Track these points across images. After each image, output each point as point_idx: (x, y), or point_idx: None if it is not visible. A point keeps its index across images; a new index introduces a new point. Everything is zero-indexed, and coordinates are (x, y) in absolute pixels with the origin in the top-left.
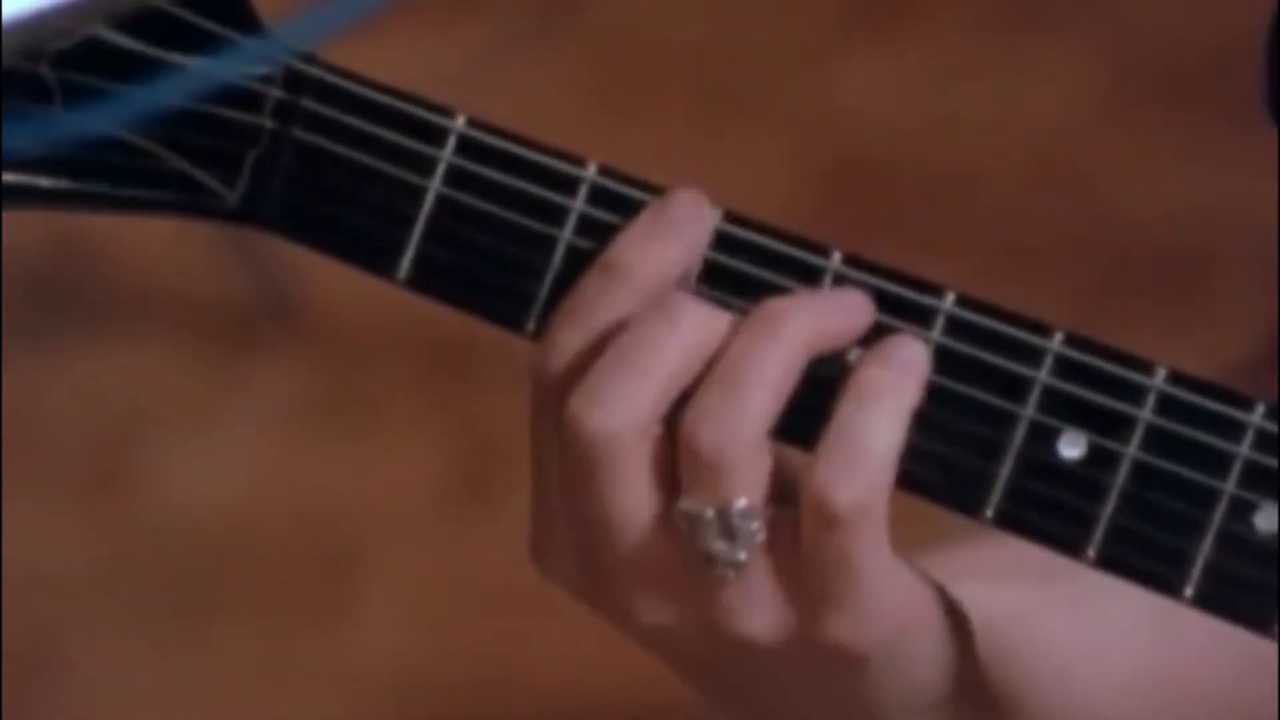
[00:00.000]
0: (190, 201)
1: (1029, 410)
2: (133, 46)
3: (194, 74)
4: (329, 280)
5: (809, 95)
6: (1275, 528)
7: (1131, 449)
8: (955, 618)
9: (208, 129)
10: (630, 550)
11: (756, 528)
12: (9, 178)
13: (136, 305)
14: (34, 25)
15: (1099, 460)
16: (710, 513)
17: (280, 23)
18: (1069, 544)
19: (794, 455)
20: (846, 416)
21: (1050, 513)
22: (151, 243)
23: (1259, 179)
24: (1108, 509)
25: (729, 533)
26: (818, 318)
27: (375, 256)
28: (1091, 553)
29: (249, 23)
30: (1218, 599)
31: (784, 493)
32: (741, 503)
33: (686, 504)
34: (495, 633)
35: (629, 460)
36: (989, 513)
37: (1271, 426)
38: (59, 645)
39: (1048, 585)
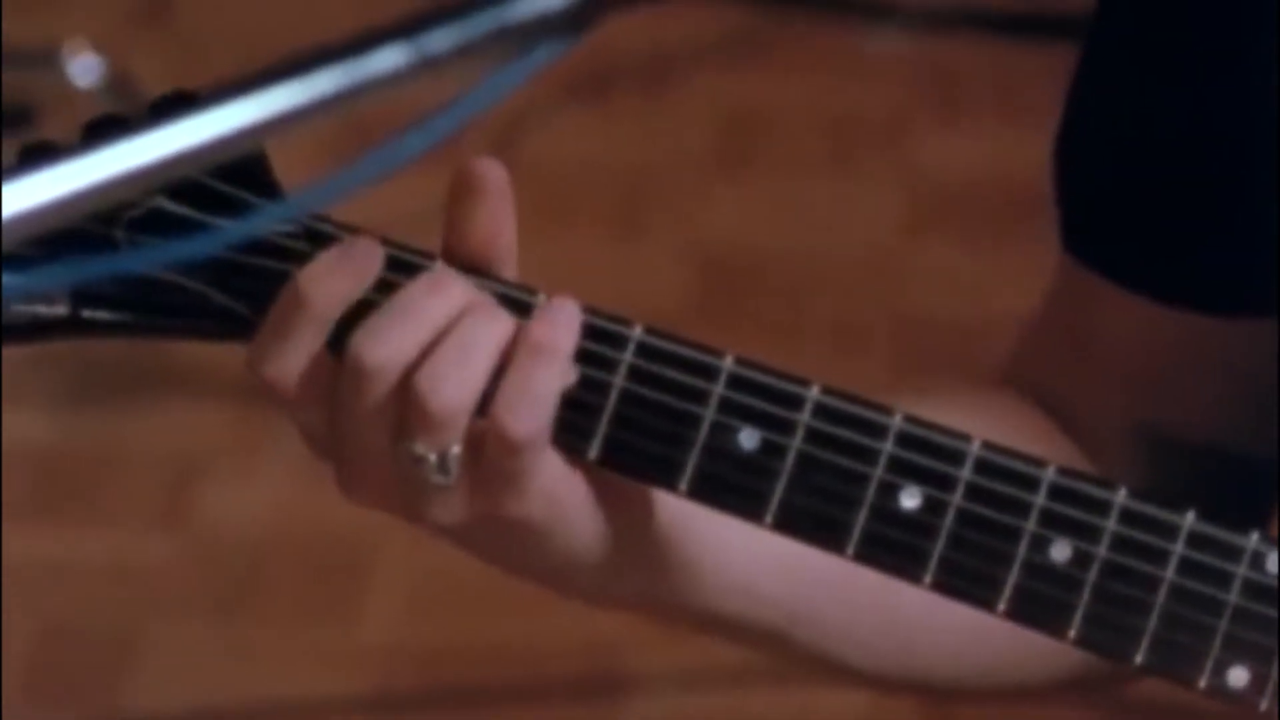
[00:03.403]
0: (231, 329)
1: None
2: (184, 212)
3: (227, 232)
4: None
5: (692, 215)
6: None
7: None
8: (611, 501)
9: (243, 273)
10: (376, 470)
11: (460, 459)
12: (93, 314)
13: (188, 377)
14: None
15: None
16: (433, 457)
17: (298, 189)
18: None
19: None
20: (518, 369)
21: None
22: None
23: (1027, 290)
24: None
25: (444, 469)
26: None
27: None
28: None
29: (273, 190)
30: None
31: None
32: (456, 449)
33: (415, 447)
34: (471, 617)
35: (381, 390)
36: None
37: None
38: (140, 630)
39: None
